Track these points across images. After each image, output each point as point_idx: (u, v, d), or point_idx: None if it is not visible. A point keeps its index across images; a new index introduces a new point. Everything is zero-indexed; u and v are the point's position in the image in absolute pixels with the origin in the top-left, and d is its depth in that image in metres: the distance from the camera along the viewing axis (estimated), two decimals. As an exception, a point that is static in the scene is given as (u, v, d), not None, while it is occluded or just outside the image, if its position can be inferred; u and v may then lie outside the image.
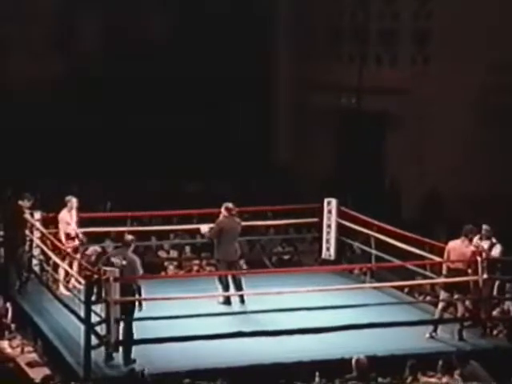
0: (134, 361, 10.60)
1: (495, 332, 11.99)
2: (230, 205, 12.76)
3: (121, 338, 10.65)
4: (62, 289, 12.74)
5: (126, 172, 20.41)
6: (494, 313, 12.24)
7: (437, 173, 20.54)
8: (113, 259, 10.89)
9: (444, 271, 11.85)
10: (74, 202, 13.27)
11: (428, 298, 13.57)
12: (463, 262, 11.70)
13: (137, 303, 10.69)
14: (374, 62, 22.27)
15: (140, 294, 10.74)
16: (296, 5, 23.06)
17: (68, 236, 13.14)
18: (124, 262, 10.83)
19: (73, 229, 13.24)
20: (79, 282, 11.84)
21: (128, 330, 10.71)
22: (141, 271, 10.97)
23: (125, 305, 10.61)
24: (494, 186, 19.41)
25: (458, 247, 11.77)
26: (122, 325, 10.67)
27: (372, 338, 11.31)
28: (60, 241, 12.91)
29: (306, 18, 22.88)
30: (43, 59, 21.64)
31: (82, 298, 10.74)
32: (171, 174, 20.78)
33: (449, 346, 11.38)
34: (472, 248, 11.74)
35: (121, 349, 10.65)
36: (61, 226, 13.17)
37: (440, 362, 10.32)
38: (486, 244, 12.12)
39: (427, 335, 11.67)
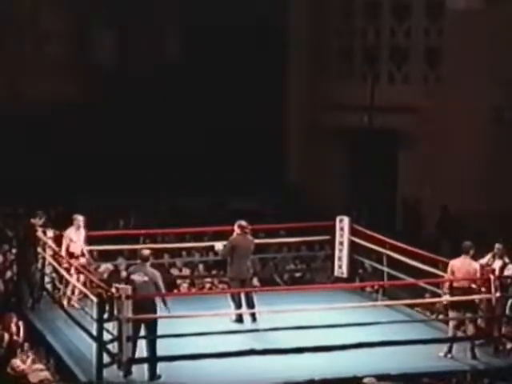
0: (160, 376, 10.60)
1: (508, 349, 11.90)
2: (244, 223, 12.75)
3: (145, 354, 10.66)
4: (65, 304, 12.74)
5: (140, 189, 20.47)
6: (506, 331, 12.15)
7: (450, 190, 20.51)
8: (133, 277, 10.89)
9: (446, 289, 11.75)
10: (80, 220, 13.24)
11: (440, 316, 13.50)
12: (475, 280, 11.66)
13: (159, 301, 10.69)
14: (386, 80, 22.31)
15: (165, 303, 10.79)
16: (307, 25, 23.12)
17: (71, 255, 13.09)
18: (146, 278, 10.84)
19: (80, 246, 13.20)
20: (87, 297, 11.82)
21: (152, 346, 10.71)
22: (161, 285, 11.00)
23: (147, 322, 10.62)
24: (508, 203, 19.36)
25: (461, 265, 11.69)
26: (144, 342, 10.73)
27: (385, 357, 11.25)
28: (62, 258, 12.91)
29: (318, 38, 22.94)
30: (57, 77, 21.76)
31: (94, 315, 10.74)
32: (184, 192, 20.83)
33: (462, 365, 11.31)
34: (476, 265, 11.68)
35: (146, 365, 10.66)
36: (64, 242, 13.13)
37: (454, 381, 10.26)
38: (498, 263, 12.07)
39: (441, 354, 11.60)
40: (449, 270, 11.79)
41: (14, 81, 21.64)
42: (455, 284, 11.67)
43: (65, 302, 12.82)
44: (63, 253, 13.03)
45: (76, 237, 13.19)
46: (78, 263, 12.97)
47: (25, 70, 21.68)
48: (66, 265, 12.75)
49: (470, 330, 11.70)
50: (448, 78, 21.21)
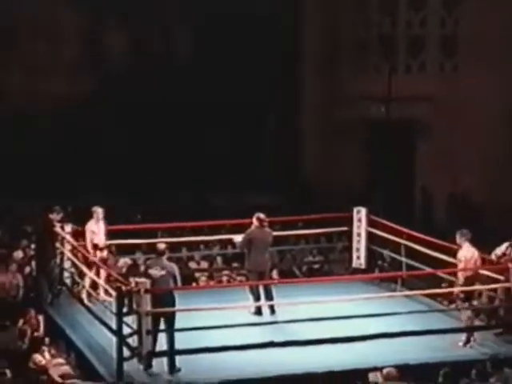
0: (179, 369, 10.65)
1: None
2: (262, 215, 12.76)
3: (165, 347, 10.69)
4: (85, 298, 12.78)
5: (156, 184, 20.53)
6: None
7: (468, 180, 20.44)
8: (150, 271, 10.92)
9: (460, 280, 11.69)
10: (99, 212, 13.28)
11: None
12: (501, 268, 11.62)
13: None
14: (402, 71, 22.23)
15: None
16: (321, 16, 23.06)
17: (96, 246, 13.17)
18: (163, 272, 10.87)
19: (102, 238, 13.26)
20: (108, 294, 11.89)
21: (171, 340, 10.74)
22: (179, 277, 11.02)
23: (166, 315, 10.65)
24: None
25: (472, 254, 11.62)
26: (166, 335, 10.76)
27: (404, 347, 11.25)
28: (87, 251, 12.97)
29: (332, 29, 22.88)
30: (71, 79, 21.84)
31: (114, 309, 10.78)
32: (200, 187, 20.88)
33: (482, 354, 11.28)
34: (476, 252, 11.58)
35: (165, 358, 10.70)
36: (87, 235, 13.20)
37: (474, 370, 10.24)
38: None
39: (460, 343, 11.58)
40: (463, 260, 11.68)
41: (29, 81, 21.72)
42: (464, 274, 11.62)
43: (84, 297, 12.86)
44: (88, 245, 13.09)
45: (97, 229, 13.24)
46: (100, 256, 13.05)
47: (39, 70, 21.76)
48: (92, 257, 12.78)
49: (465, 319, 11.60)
50: (465, 67, 21.11)
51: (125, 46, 22.65)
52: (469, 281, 11.56)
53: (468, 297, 11.64)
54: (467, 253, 11.65)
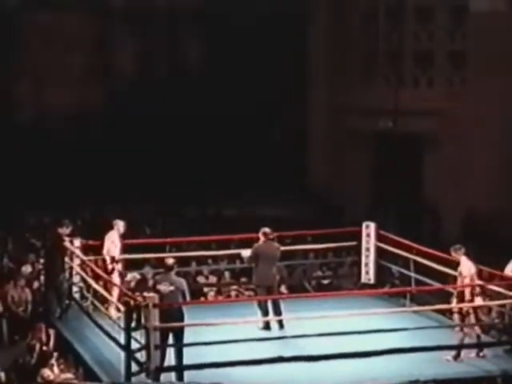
0: None
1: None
2: (267, 230, 12.76)
3: (173, 362, 10.69)
4: (112, 311, 12.73)
5: (165, 198, 20.56)
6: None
7: (475, 193, 20.41)
8: (159, 286, 10.90)
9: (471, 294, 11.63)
10: (120, 225, 13.23)
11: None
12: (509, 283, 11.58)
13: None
14: (410, 84, 22.24)
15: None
16: (331, 29, 23.12)
17: (113, 259, 13.10)
18: (172, 288, 10.86)
19: (119, 251, 13.22)
20: (118, 309, 11.88)
21: (180, 354, 10.74)
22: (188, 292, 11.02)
23: (175, 330, 10.65)
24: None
25: (472, 268, 11.60)
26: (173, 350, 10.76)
27: (413, 363, 11.20)
28: (104, 261, 12.93)
29: (341, 42, 22.92)
30: (83, 90, 21.92)
31: (122, 324, 10.77)
32: (209, 200, 20.90)
33: (492, 370, 11.21)
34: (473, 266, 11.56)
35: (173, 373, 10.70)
36: (106, 244, 13.11)
37: (484, 386, 10.20)
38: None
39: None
40: (469, 275, 11.62)
41: (40, 93, 21.81)
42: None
43: (112, 310, 12.75)
44: (104, 254, 13.04)
45: (118, 241, 13.19)
46: (116, 269, 13.00)
47: (49, 80, 21.84)
48: (109, 266, 12.73)
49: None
50: (472, 81, 21.11)
51: (136, 57, 22.76)
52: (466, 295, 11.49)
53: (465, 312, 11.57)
54: (467, 266, 11.59)
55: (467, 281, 11.48)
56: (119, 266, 13.28)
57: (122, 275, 13.23)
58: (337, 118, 23.01)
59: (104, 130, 21.78)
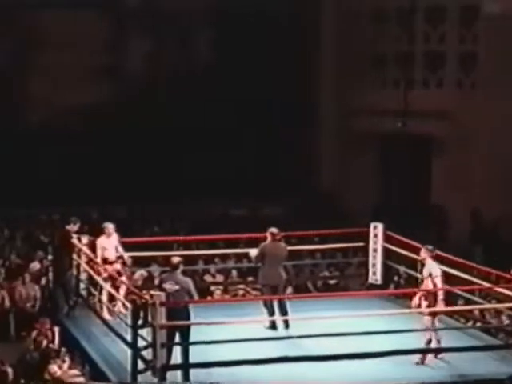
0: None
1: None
2: (274, 230, 12.78)
3: (179, 361, 10.70)
4: (105, 313, 12.79)
5: (174, 197, 20.60)
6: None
7: (483, 196, 20.38)
8: (165, 285, 10.92)
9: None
10: (110, 227, 13.25)
11: (477, 323, 13.43)
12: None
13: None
14: (420, 86, 22.22)
15: None
16: (340, 30, 23.11)
17: (105, 261, 13.11)
18: (177, 287, 10.88)
19: (113, 253, 13.23)
20: (125, 307, 11.91)
21: (186, 353, 10.76)
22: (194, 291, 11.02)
23: (181, 328, 10.67)
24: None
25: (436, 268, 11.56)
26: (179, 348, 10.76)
27: (418, 365, 11.20)
28: (97, 265, 12.98)
29: (350, 44, 22.92)
30: (94, 90, 21.98)
31: (129, 322, 10.80)
32: (218, 199, 20.94)
33: (501, 372, 11.18)
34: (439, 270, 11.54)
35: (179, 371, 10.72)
36: (98, 251, 13.15)
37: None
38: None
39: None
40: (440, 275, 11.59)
41: (52, 93, 21.87)
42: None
43: (105, 312, 12.83)
44: (99, 260, 13.11)
45: (108, 244, 13.22)
46: (112, 269, 13.03)
47: (63, 81, 21.90)
48: (103, 273, 12.80)
49: None
50: (483, 84, 21.07)
51: (146, 57, 22.81)
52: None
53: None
54: (433, 269, 11.56)
55: (439, 280, 11.42)
56: (116, 266, 13.26)
57: (120, 273, 13.23)
58: (346, 120, 23.00)
59: (116, 129, 21.80)
